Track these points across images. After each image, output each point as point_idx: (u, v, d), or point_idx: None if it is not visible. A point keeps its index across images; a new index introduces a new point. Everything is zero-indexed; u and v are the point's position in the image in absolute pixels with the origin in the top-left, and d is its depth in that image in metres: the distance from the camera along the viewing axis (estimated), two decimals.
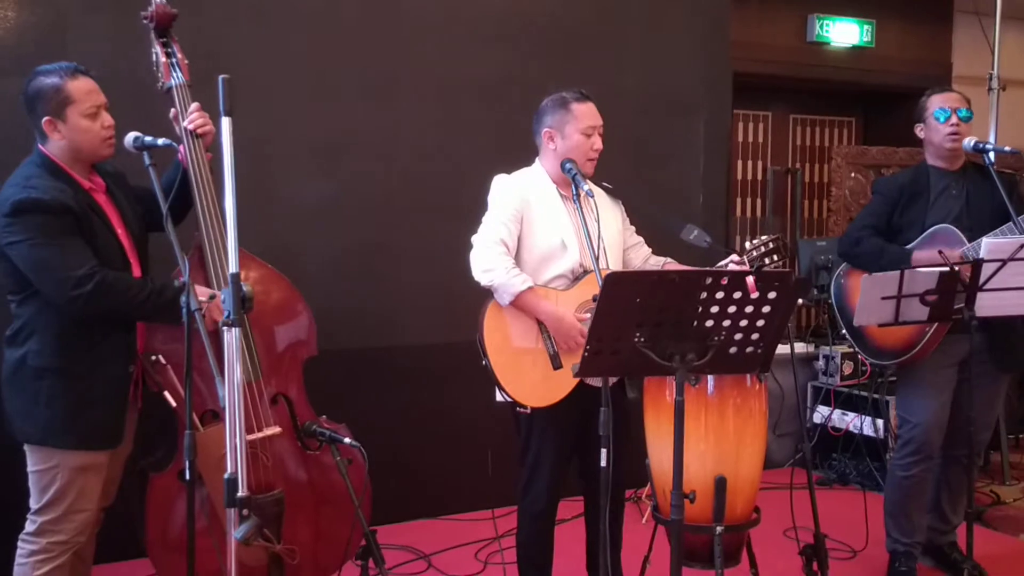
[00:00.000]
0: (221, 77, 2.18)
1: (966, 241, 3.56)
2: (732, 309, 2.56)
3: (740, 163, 7.41)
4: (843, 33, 7.60)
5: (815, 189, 8.13)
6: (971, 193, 3.73)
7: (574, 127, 3.25)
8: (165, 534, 3.04)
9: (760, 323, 2.61)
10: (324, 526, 3.23)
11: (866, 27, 7.70)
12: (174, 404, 2.98)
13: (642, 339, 2.56)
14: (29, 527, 2.88)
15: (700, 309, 2.54)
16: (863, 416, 5.08)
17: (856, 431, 5.13)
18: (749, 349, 2.66)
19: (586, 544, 3.49)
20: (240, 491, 2.16)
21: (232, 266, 2.17)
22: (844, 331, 3.94)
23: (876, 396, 4.97)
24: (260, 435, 3.07)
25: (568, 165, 3.19)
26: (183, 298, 2.63)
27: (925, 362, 3.67)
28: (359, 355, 4.35)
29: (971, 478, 3.53)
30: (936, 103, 3.75)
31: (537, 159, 3.38)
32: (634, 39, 4.93)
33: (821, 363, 5.43)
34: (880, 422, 4.97)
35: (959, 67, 8.19)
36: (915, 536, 3.85)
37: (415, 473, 4.42)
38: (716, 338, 2.60)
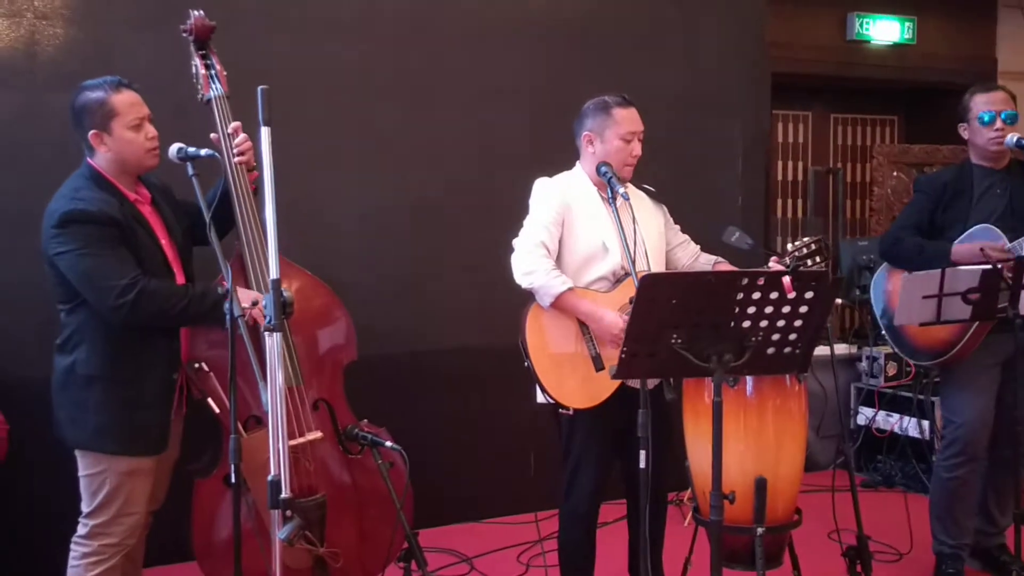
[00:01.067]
0: (260, 88, 2.22)
1: (1007, 241, 3.52)
2: (769, 310, 2.55)
3: (780, 164, 7.36)
4: (884, 31, 7.53)
5: (857, 189, 8.05)
6: (1015, 192, 3.69)
7: (614, 132, 3.26)
8: (211, 538, 3.10)
9: (798, 323, 2.60)
10: (367, 529, 3.27)
11: (907, 24, 7.62)
12: (217, 411, 3.04)
13: (679, 340, 2.57)
14: (81, 530, 2.95)
15: (737, 310, 2.54)
16: (908, 417, 5.02)
17: (901, 433, 5.07)
18: (787, 350, 2.66)
19: (628, 546, 3.49)
20: (284, 492, 2.20)
21: (273, 272, 2.21)
22: (884, 331, 3.91)
23: (921, 397, 4.91)
24: (302, 440, 3.11)
25: (603, 168, 3.21)
26: (226, 304, 2.69)
27: (968, 361, 3.62)
28: (398, 360, 4.39)
29: (1018, 478, 3.49)
30: (980, 104, 3.70)
31: (578, 162, 3.39)
32: (670, 41, 4.93)
33: (864, 364, 5.37)
34: (926, 423, 4.91)
35: (1004, 62, 8.07)
36: (962, 538, 3.79)
37: (455, 476, 4.45)
38: (753, 339, 2.60)
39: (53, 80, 3.83)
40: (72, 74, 3.66)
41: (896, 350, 3.86)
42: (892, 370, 5.22)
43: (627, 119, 3.27)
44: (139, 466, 2.93)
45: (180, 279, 3.04)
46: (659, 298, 2.51)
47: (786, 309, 2.57)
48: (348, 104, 4.31)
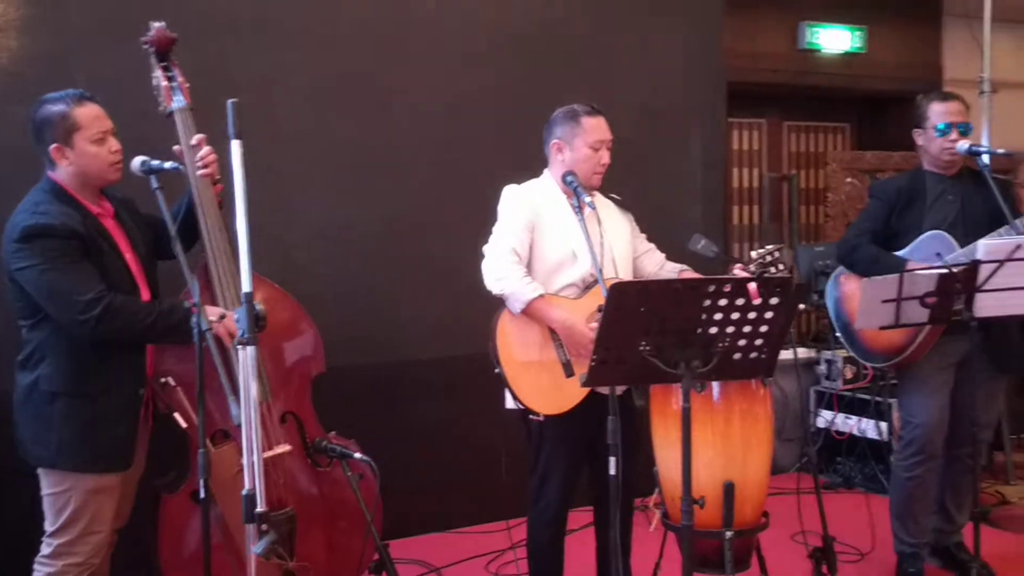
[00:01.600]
0: (229, 101, 2.21)
1: (958, 247, 3.60)
2: (735, 316, 2.59)
3: (736, 171, 7.45)
4: (834, 39, 7.66)
5: (811, 195, 8.17)
6: (967, 198, 3.77)
7: (583, 140, 3.28)
8: (178, 554, 3.07)
9: (763, 329, 2.64)
10: (336, 541, 3.26)
11: (857, 33, 7.76)
12: (184, 425, 3.01)
13: (647, 347, 2.60)
14: (45, 549, 2.91)
15: (704, 316, 2.57)
16: (866, 419, 5.11)
17: (860, 435, 5.16)
18: (753, 355, 2.70)
19: (596, 553, 3.51)
20: (259, 506, 2.18)
21: (246, 285, 2.20)
22: (839, 334, 3.98)
23: (879, 399, 4.99)
24: (271, 453, 3.09)
25: (569, 178, 3.23)
26: (194, 319, 2.67)
27: (923, 363, 3.70)
28: (364, 371, 4.37)
29: (975, 476, 3.56)
30: (937, 114, 3.76)
31: (546, 170, 3.41)
32: (629, 50, 4.97)
33: (823, 368, 5.45)
34: (883, 425, 5.00)
35: (950, 70, 8.25)
36: (922, 537, 3.87)
37: (422, 487, 4.44)
38: (720, 345, 2.63)
39: (9, 92, 3.76)
40: (27, 85, 3.62)
41: (851, 353, 3.93)
42: (850, 373, 5.31)
43: (596, 128, 3.30)
44: (105, 483, 2.89)
45: (145, 294, 3.01)
46: (627, 306, 2.54)
47: (752, 315, 2.60)
48: (310, 115, 4.29)
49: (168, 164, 2.87)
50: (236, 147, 2.20)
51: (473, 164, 4.52)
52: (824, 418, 5.38)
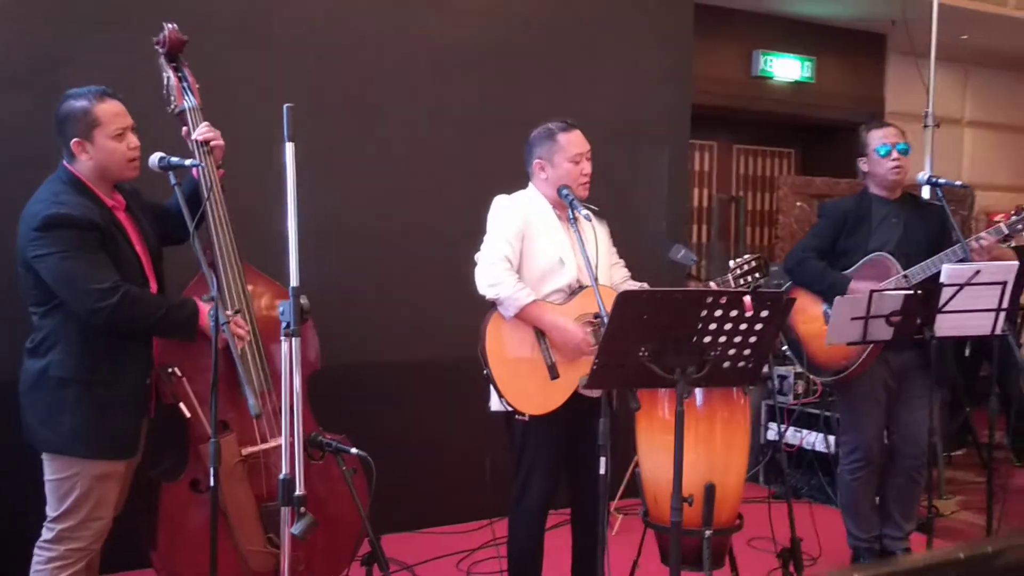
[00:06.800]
0: (286, 106, 2.32)
1: (900, 268, 3.88)
2: (728, 326, 2.77)
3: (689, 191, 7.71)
4: (786, 68, 7.99)
5: (762, 217, 8.49)
6: (909, 221, 4.06)
7: (563, 156, 3.44)
8: (177, 543, 3.13)
9: (752, 339, 2.82)
10: (327, 534, 3.34)
11: (807, 63, 8.11)
12: (189, 415, 3.08)
13: (646, 354, 2.76)
14: (46, 534, 2.95)
15: (700, 326, 2.74)
16: (815, 433, 5.35)
17: (808, 447, 5.40)
18: (740, 364, 2.88)
19: (572, 553, 3.65)
20: (299, 490, 2.28)
21: (294, 280, 2.30)
22: (786, 348, 4.23)
23: (828, 414, 5.24)
24: (269, 445, 3.18)
25: (565, 192, 3.39)
26: (211, 312, 2.76)
27: (862, 376, 3.97)
28: (345, 371, 4.44)
29: (920, 488, 3.80)
30: (877, 139, 4.06)
31: (531, 183, 3.56)
32: (603, 69, 5.14)
33: (775, 383, 5.69)
34: (831, 438, 5.25)
35: (891, 102, 8.66)
36: (872, 531, 4.18)
37: (392, 488, 4.52)
38: (712, 353, 2.81)
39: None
40: (13, 75, 3.67)
41: (799, 366, 4.18)
42: (800, 388, 5.56)
43: (572, 142, 3.46)
44: (112, 470, 2.95)
45: (154, 287, 3.08)
46: (632, 314, 2.70)
47: (743, 326, 2.78)
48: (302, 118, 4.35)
49: (189, 161, 2.95)
50: (290, 149, 2.30)
51: (457, 173, 4.66)
52: (774, 431, 5.61)
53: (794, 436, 5.47)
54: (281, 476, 2.33)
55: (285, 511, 2.33)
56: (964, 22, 7.23)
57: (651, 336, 2.73)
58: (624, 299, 2.70)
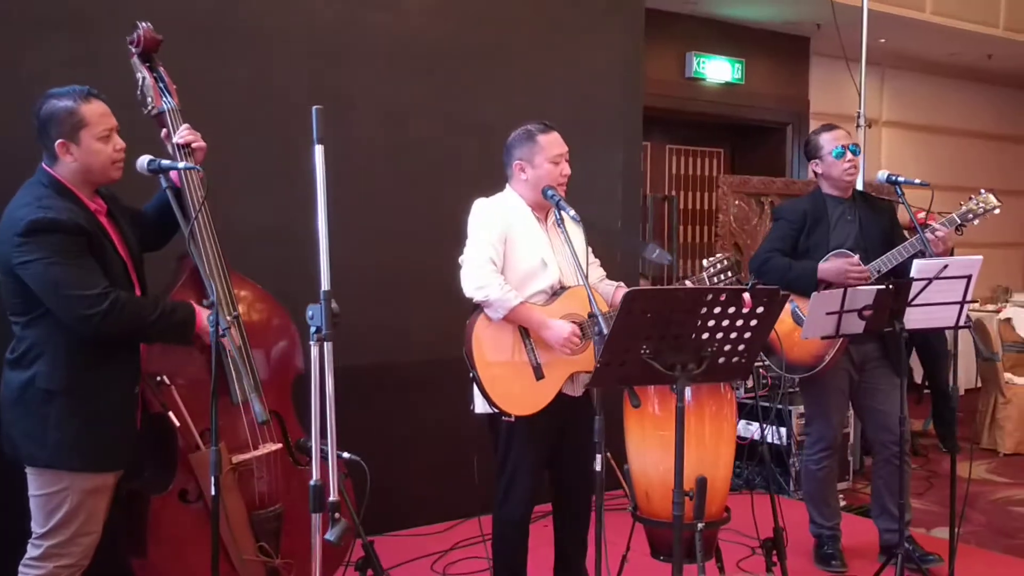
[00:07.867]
0: (314, 108, 2.28)
1: (860, 262, 4.00)
2: (725, 323, 2.82)
3: None
4: (717, 70, 8.17)
5: (695, 215, 8.66)
6: (863, 218, 4.21)
7: (543, 157, 3.47)
8: (168, 555, 3.04)
9: (747, 335, 2.89)
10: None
11: (737, 65, 8.30)
12: (178, 424, 3.01)
13: (648, 351, 2.80)
14: (32, 551, 2.83)
15: (699, 323, 2.80)
16: (767, 425, 5.48)
17: (760, 440, 5.52)
18: (735, 359, 2.94)
19: (555, 547, 3.67)
20: (332, 496, 2.25)
21: (324, 284, 2.26)
22: None
23: (780, 407, 5.38)
24: (259, 453, 3.13)
25: (550, 192, 3.41)
26: (210, 317, 2.70)
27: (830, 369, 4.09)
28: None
29: (904, 474, 3.91)
30: (829, 142, 4.19)
31: (508, 185, 3.57)
32: (560, 68, 5.17)
33: None
34: (783, 430, 5.39)
35: (815, 103, 8.93)
36: (835, 519, 4.31)
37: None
38: (710, 349, 2.87)
39: None
40: None
41: (770, 364, 4.28)
42: (750, 382, 5.69)
43: (552, 143, 3.50)
44: (102, 483, 2.85)
45: (137, 292, 2.99)
46: (637, 312, 2.74)
47: (739, 323, 2.84)
48: (264, 120, 4.28)
49: (182, 164, 2.88)
50: (319, 152, 2.27)
51: (417, 178, 4.64)
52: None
53: (746, 429, 5.59)
54: (312, 482, 2.29)
55: (316, 518, 2.29)
56: (883, 26, 7.50)
57: (653, 333, 2.77)
58: (631, 297, 2.73)
